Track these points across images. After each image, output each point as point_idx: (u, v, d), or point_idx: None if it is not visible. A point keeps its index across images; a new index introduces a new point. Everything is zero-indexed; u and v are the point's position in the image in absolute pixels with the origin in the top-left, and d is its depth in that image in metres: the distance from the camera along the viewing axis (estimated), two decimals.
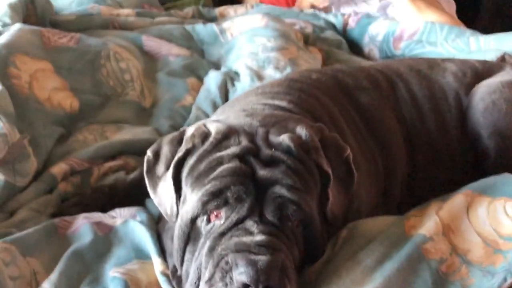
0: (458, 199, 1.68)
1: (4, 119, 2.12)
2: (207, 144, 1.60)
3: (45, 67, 2.54)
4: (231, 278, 1.39)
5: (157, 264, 1.71)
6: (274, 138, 1.60)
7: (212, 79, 2.91)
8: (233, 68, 3.02)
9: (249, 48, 3.09)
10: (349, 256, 1.54)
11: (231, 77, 2.92)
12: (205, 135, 1.62)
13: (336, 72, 2.17)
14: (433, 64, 2.29)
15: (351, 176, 1.69)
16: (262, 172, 1.53)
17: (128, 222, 1.88)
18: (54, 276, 1.65)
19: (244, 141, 1.59)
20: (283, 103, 1.85)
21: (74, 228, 1.87)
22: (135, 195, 2.06)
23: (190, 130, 1.66)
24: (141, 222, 1.87)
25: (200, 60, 3.17)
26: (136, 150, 2.36)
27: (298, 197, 1.52)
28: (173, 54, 3.13)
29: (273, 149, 1.57)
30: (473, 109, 2.13)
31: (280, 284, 1.40)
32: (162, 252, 1.76)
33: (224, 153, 1.56)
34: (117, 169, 2.30)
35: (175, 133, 1.72)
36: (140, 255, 1.77)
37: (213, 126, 1.63)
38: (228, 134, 1.61)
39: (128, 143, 2.40)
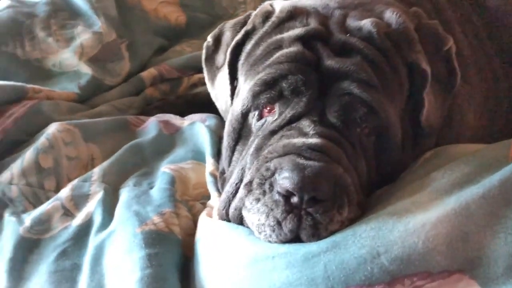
0: None
1: (103, 19, 2.15)
2: (268, 25, 1.34)
3: None
4: (271, 185, 1.13)
5: (209, 164, 1.55)
6: (353, 22, 1.28)
7: None
8: None
9: None
10: (421, 175, 1.18)
11: None
12: (268, 15, 1.36)
13: None
14: None
15: (452, 76, 1.31)
16: (330, 62, 1.22)
17: (195, 124, 1.75)
18: (107, 162, 1.60)
19: (313, 23, 1.29)
20: None
21: (144, 125, 1.81)
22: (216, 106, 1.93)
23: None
24: (208, 126, 1.72)
25: None
26: None
27: (372, 97, 1.20)
28: None
29: (348, 35, 1.26)
30: None
31: (334, 198, 1.11)
32: (219, 155, 1.59)
33: (285, 35, 1.29)
34: None
35: (241, 16, 1.51)
36: (198, 156, 1.64)
37: (279, 4, 1.37)
38: (295, 13, 1.32)
39: None
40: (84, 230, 1.40)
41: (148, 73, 2.14)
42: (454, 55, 1.30)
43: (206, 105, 1.97)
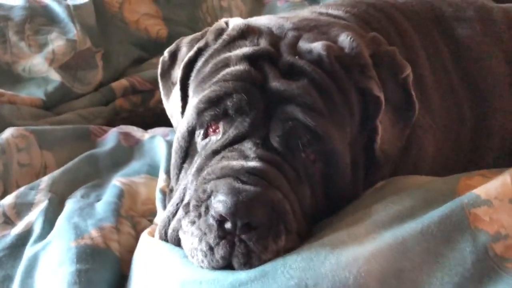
0: None
1: (78, 27, 2.13)
2: (219, 42, 1.30)
3: None
4: (207, 208, 1.08)
5: (161, 180, 1.50)
6: (305, 45, 1.24)
7: None
8: None
9: None
10: (364, 206, 1.13)
11: None
12: (220, 32, 1.32)
13: None
14: None
15: (410, 105, 1.26)
16: (276, 84, 1.18)
17: (155, 137, 1.71)
18: (58, 171, 1.56)
19: (263, 43, 1.25)
20: (338, 12, 1.45)
21: (104, 136, 1.77)
22: None
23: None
24: (169, 140, 1.68)
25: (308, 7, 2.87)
26: None
27: (317, 123, 1.15)
28: None
29: (296, 57, 1.22)
30: None
31: (270, 226, 1.05)
32: None
33: (233, 53, 1.25)
34: None
35: (199, 32, 1.47)
36: (153, 171, 1.59)
37: (234, 22, 1.34)
38: (247, 32, 1.28)
39: None
40: (21, 240, 1.34)
41: (119, 84, 2.12)
42: (411, 84, 1.25)
43: None
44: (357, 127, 1.23)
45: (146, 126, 1.90)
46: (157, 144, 1.68)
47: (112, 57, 2.22)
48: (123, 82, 2.12)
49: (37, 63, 2.01)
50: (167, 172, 1.52)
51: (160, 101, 2.14)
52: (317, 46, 1.22)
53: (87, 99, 2.04)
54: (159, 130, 1.80)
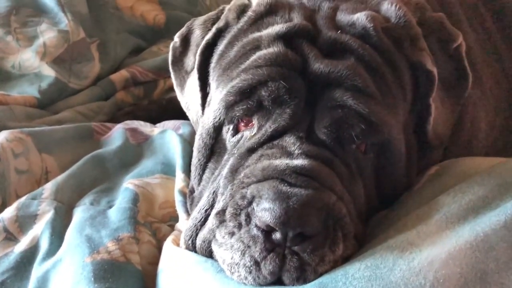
0: None
1: (70, 16, 1.94)
2: (243, 21, 1.14)
3: None
4: (248, 217, 0.92)
5: (179, 180, 1.34)
6: (345, 17, 1.08)
7: None
8: None
9: None
10: (426, 198, 0.97)
11: None
12: (243, 9, 1.15)
13: None
14: None
15: (462, 78, 1.11)
16: (318, 65, 1.01)
17: (166, 132, 1.54)
18: (62, 176, 1.39)
19: (297, 18, 1.08)
20: None
21: (109, 134, 1.60)
22: None
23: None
24: (181, 134, 1.52)
25: None
26: None
27: (371, 109, 0.99)
28: None
29: (339, 31, 1.05)
30: None
31: (326, 233, 0.90)
32: None
33: (264, 32, 1.08)
34: None
35: (213, 12, 1.30)
36: (168, 170, 1.43)
37: None
38: (275, 7, 1.12)
39: None
40: (27, 258, 1.18)
41: (119, 76, 1.94)
42: (464, 54, 1.10)
43: (182, 111, 1.77)
44: (409, 108, 1.07)
45: (152, 120, 1.74)
46: (169, 139, 1.51)
47: (109, 47, 2.04)
48: (123, 73, 1.95)
49: (28, 58, 1.83)
50: (185, 171, 1.36)
51: (165, 92, 2.00)
52: (361, 18, 1.06)
53: (85, 95, 1.86)
54: (169, 124, 1.63)
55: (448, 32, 1.11)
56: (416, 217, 0.92)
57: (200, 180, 1.17)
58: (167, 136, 1.52)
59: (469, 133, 1.22)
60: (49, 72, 1.81)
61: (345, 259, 0.91)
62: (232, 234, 0.94)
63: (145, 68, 1.98)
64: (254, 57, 1.05)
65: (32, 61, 1.82)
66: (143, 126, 1.62)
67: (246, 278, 0.92)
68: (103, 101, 1.88)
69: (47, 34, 1.88)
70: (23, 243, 1.21)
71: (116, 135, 1.56)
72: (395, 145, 1.04)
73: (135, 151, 1.51)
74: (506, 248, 0.83)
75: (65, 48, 1.87)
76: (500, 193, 0.91)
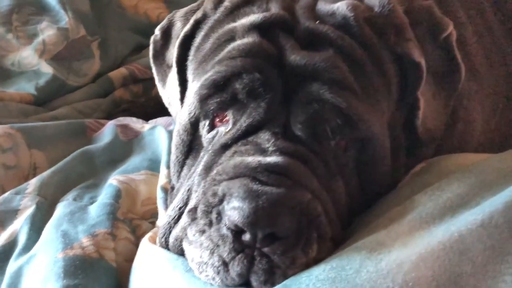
0: None
1: (71, 14, 1.95)
2: (219, 11, 1.10)
3: None
4: (218, 215, 0.88)
5: (162, 176, 1.31)
6: (325, 6, 1.03)
7: None
8: None
9: None
10: (404, 197, 0.91)
11: None
12: None
13: None
14: None
15: (454, 70, 1.04)
16: (295, 57, 0.97)
17: (155, 128, 1.52)
18: (48, 172, 1.38)
19: (275, 8, 1.04)
20: None
21: (101, 130, 1.59)
22: None
23: None
24: (171, 131, 1.48)
25: None
26: None
27: (349, 104, 0.94)
28: None
29: (317, 22, 1.00)
30: None
31: (299, 234, 0.85)
32: None
33: (238, 23, 1.04)
34: None
35: (195, 3, 1.27)
36: (154, 166, 1.40)
37: None
38: None
39: None
40: (5, 253, 1.17)
41: (117, 73, 1.93)
42: (455, 44, 1.03)
43: None
44: (395, 103, 1.02)
45: (148, 117, 1.72)
46: (158, 135, 1.48)
47: (110, 45, 2.03)
48: (121, 70, 1.94)
49: (27, 55, 1.84)
50: (169, 167, 1.32)
51: None
52: (341, 7, 1.01)
53: (83, 92, 1.86)
54: (161, 120, 1.61)
55: (437, 21, 1.04)
56: (389, 216, 0.86)
57: (178, 177, 1.13)
58: (156, 132, 1.50)
59: (464, 129, 1.15)
60: (47, 69, 1.81)
61: (319, 262, 0.85)
62: (202, 232, 0.90)
63: (144, 66, 1.96)
64: (228, 48, 1.01)
65: (31, 58, 1.83)
66: (134, 123, 1.60)
67: (214, 278, 0.88)
68: (101, 98, 1.87)
69: (46, 32, 1.88)
70: (2, 238, 1.20)
71: (107, 132, 1.55)
72: (377, 142, 0.98)
73: (124, 147, 1.49)
74: (482, 250, 0.76)
75: (64, 46, 1.87)
76: (480, 191, 0.84)
